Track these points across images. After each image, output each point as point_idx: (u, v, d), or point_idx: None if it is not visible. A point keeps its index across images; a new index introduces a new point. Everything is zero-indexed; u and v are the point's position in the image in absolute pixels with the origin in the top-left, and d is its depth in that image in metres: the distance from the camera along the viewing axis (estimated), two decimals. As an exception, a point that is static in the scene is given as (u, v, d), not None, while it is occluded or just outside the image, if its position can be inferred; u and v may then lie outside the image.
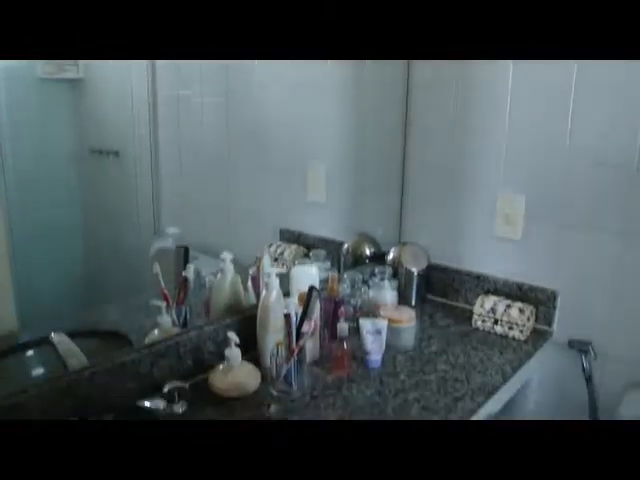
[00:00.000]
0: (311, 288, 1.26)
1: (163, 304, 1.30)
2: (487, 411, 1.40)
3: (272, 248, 1.68)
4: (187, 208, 1.45)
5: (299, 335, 1.24)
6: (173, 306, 1.33)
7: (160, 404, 1.07)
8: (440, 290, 1.82)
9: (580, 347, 1.61)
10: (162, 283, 1.30)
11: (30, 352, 1.15)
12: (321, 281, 1.43)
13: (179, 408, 1.21)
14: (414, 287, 1.72)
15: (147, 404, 1.07)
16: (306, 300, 1.25)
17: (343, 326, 1.34)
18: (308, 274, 1.38)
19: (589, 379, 1.61)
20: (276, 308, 1.32)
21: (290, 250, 1.70)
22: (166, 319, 1.31)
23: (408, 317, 1.46)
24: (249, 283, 1.48)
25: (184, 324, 1.35)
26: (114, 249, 1.30)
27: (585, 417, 1.63)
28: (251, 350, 1.35)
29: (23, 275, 1.11)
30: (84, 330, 1.23)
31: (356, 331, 1.50)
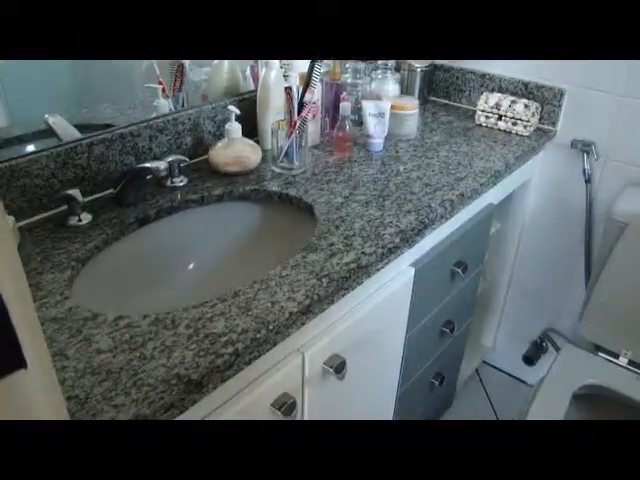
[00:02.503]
0: (313, 60, 1.20)
1: (160, 87, 1.27)
2: (488, 200, 1.41)
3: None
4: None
5: (301, 108, 1.21)
6: (170, 94, 1.29)
7: (161, 165, 1.05)
8: (443, 91, 1.77)
9: (583, 147, 1.59)
10: (157, 71, 1.26)
11: (26, 144, 1.12)
12: (322, 77, 1.37)
13: (179, 182, 1.20)
14: (417, 84, 1.67)
15: (148, 165, 1.06)
16: (308, 71, 1.20)
17: (345, 105, 1.30)
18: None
19: (589, 180, 1.62)
20: (276, 86, 1.28)
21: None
22: (163, 102, 1.28)
23: (412, 105, 1.42)
24: (247, 72, 1.43)
25: (181, 110, 1.31)
26: (104, 66, 1.23)
27: (582, 218, 1.65)
28: (251, 137, 1.32)
29: (9, 88, 1.05)
30: (79, 124, 1.19)
31: (358, 123, 1.47)
